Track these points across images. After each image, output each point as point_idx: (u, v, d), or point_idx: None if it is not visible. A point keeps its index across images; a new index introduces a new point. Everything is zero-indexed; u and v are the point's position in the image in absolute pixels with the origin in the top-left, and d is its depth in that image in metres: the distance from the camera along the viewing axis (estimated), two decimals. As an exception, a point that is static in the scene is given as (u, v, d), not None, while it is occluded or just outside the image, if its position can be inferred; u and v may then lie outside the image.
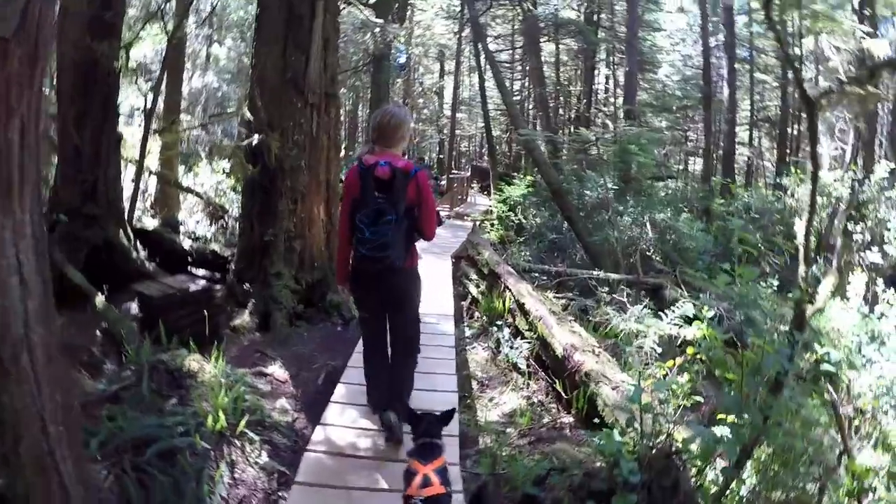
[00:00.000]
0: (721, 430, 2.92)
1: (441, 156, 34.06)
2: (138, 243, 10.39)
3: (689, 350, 3.46)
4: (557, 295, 8.34)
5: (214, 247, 10.53)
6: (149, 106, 10.63)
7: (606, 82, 30.72)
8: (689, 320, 4.38)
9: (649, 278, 9.25)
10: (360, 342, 4.84)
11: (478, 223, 15.09)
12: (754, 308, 3.45)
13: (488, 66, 20.34)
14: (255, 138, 6.81)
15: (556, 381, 5.58)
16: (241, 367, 5.67)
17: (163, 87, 16.49)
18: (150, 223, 12.01)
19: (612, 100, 29.61)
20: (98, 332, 7.08)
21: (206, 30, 17.44)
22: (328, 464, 3.83)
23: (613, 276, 8.95)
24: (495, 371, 6.39)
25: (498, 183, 19.05)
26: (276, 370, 6.01)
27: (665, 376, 3.66)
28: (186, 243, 10.67)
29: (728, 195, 16.90)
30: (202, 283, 6.95)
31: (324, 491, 3.51)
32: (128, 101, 13.01)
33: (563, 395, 5.38)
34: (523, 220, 18.23)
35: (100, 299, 7.55)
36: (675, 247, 11.29)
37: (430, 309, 7.06)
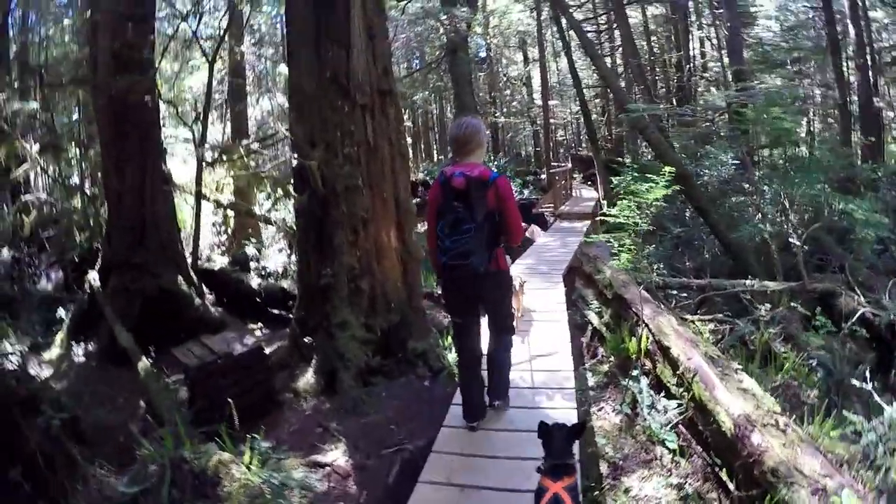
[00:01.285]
0: None
1: (538, 148, 32.14)
2: (203, 287, 9.46)
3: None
4: (703, 317, 6.44)
5: (285, 283, 9.30)
6: (198, 137, 9.67)
7: (702, 46, 27.79)
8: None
9: (817, 283, 7.14)
10: (451, 406, 4.60)
11: (591, 228, 13.16)
12: None
13: (576, 42, 18.32)
14: (294, 159, 5.37)
15: (721, 464, 3.88)
16: (297, 449, 4.76)
17: (215, 116, 15.81)
18: (220, 261, 11.05)
19: (710, 65, 26.80)
20: (143, 404, 6.21)
21: (268, 50, 16.50)
22: None
23: (771, 284, 6.96)
24: (632, 445, 4.61)
25: (606, 173, 17.09)
26: (338, 457, 4.67)
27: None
28: (255, 281, 9.57)
29: (878, 158, 14.12)
30: (250, 341, 5.67)
31: None
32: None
33: (734, 489, 3.65)
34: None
35: (143, 365, 6.59)
36: (840, 236, 8.99)
37: (538, 347, 5.45)
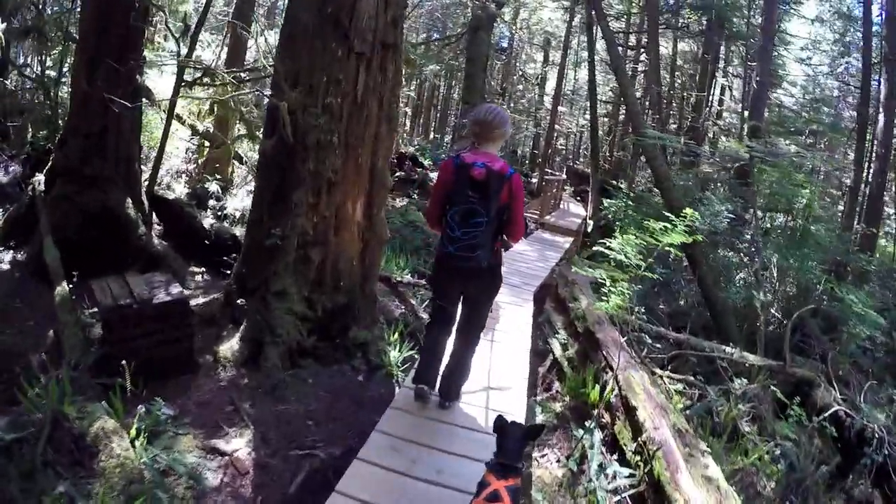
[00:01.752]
0: None
1: (535, 151, 31.52)
2: (154, 215, 8.68)
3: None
4: (674, 376, 5.87)
5: (238, 230, 8.55)
6: (183, 53, 8.77)
7: (721, 93, 27.40)
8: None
9: (798, 368, 6.63)
10: (388, 408, 4.30)
11: (574, 247, 12.44)
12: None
13: (600, 57, 17.69)
14: (267, 96, 4.65)
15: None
16: (200, 426, 4.19)
17: (211, 38, 14.79)
18: (180, 191, 10.22)
19: (725, 115, 26.46)
20: (52, 334, 5.49)
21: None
22: None
23: (752, 358, 6.41)
24: (569, 507, 4.03)
25: (600, 194, 16.53)
26: (242, 447, 4.05)
27: None
28: (209, 221, 8.80)
29: (871, 250, 13.71)
30: (176, 290, 4.95)
31: None
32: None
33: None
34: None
35: (61, 290, 5.88)
36: (826, 323, 8.50)
37: (495, 376, 4.85)
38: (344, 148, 4.89)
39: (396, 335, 5.62)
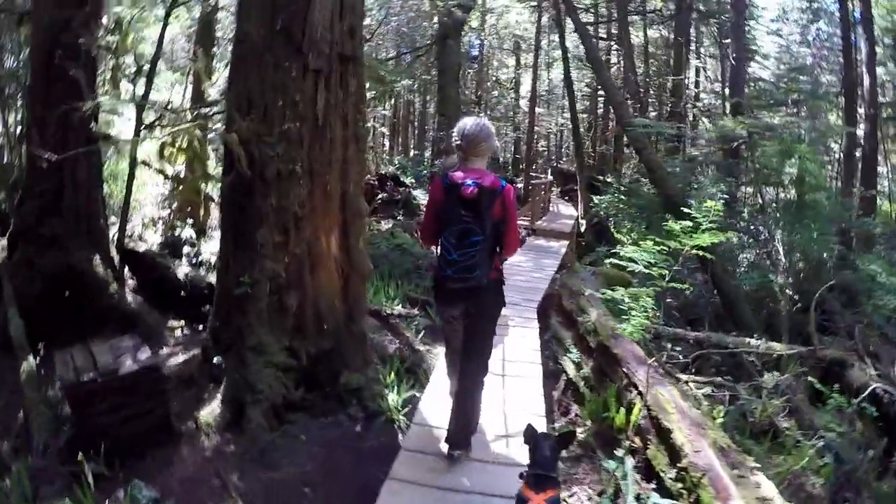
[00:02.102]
0: None
1: (518, 155, 31.12)
2: (126, 269, 8.15)
3: None
4: (699, 379, 5.37)
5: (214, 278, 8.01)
6: (139, 94, 8.28)
7: (697, 75, 27.15)
8: None
9: (828, 350, 6.17)
10: (401, 451, 3.97)
11: (569, 250, 11.83)
12: None
13: (573, 53, 17.32)
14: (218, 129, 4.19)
15: None
16: None
17: (174, 77, 14.29)
18: (154, 240, 9.67)
19: (703, 96, 26.25)
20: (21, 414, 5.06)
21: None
22: None
23: (778, 347, 5.94)
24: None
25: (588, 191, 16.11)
26: None
27: None
28: (184, 270, 8.27)
29: (871, 212, 13.34)
30: (145, 355, 4.46)
31: None
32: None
33: None
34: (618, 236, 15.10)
35: (27, 366, 5.42)
36: (846, 296, 8.02)
37: (511, 420, 4.26)
38: (309, 176, 4.37)
39: (393, 375, 5.10)
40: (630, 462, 3.97)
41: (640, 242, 3.98)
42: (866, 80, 15.26)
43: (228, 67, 4.91)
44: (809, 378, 5.70)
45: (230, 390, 4.55)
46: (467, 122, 3.69)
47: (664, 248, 3.85)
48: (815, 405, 5.87)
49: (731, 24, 18.10)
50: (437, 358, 6.07)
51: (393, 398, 4.86)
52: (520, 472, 2.90)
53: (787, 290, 6.95)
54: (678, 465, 3.61)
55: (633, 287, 6.58)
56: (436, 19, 14.15)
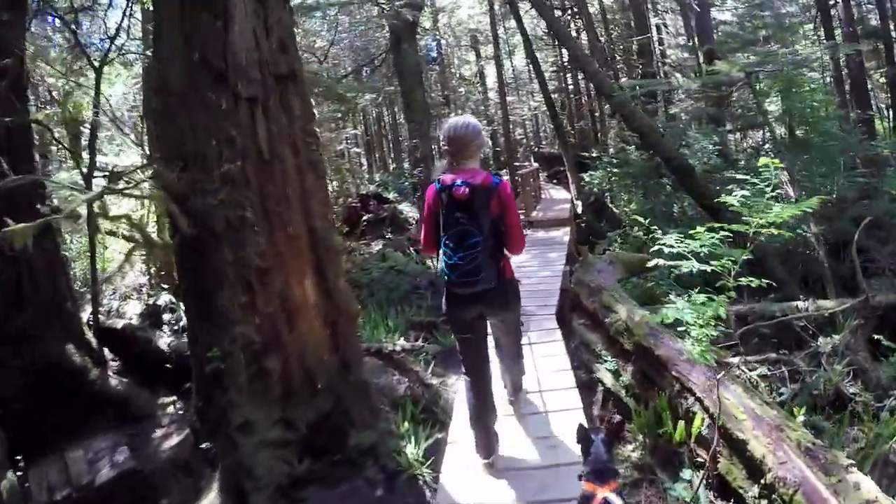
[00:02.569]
0: None
1: (497, 148, 30.49)
2: (105, 350, 7.52)
3: None
4: (753, 359, 4.73)
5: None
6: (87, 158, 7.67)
7: (658, 32, 26.63)
8: None
9: (882, 297, 5.58)
10: None
11: (573, 237, 11.01)
12: None
13: (535, 31, 16.74)
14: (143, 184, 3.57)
15: None
16: None
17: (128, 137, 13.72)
18: (134, 311, 9.04)
19: (669, 52, 25.80)
20: None
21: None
22: None
23: (828, 304, 5.34)
24: None
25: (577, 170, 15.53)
26: None
27: None
28: (166, 340, 7.64)
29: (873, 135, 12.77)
30: (122, 457, 3.88)
31: None
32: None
33: None
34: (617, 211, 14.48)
35: (7, 483, 4.79)
36: (884, 231, 7.38)
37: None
38: (265, 220, 3.73)
39: (408, 422, 4.46)
40: (699, 481, 3.34)
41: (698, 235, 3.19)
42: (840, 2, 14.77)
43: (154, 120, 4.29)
44: (871, 333, 5.09)
45: (226, 478, 3.95)
46: (453, 123, 3.54)
47: (725, 233, 3.13)
48: (877, 359, 5.28)
49: None
50: (455, 387, 5.45)
51: (412, 451, 4.24)
52: (578, 474, 2.82)
53: (822, 238, 6.34)
54: (762, 481, 2.97)
55: (656, 266, 5.95)
56: (388, 30, 13.55)
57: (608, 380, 4.75)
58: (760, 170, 3.05)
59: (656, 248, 3.18)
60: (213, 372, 3.81)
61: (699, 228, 3.13)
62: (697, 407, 3.63)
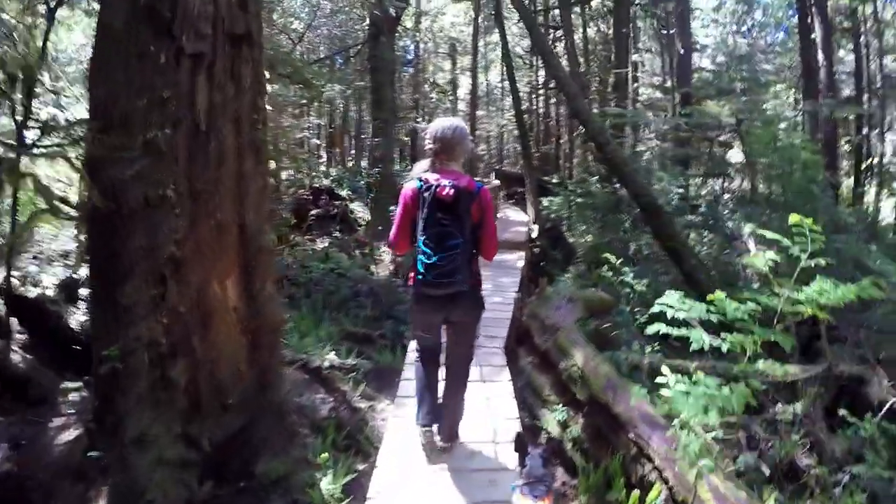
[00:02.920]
0: None
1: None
2: (14, 321, 6.72)
3: None
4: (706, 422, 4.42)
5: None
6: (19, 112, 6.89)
7: (635, 70, 26.91)
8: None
9: (844, 366, 5.42)
10: None
11: (527, 264, 10.42)
12: None
13: (515, 49, 16.50)
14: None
15: None
16: None
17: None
18: (51, 282, 8.18)
19: (642, 90, 26.09)
20: None
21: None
22: None
23: (793, 370, 5.12)
24: None
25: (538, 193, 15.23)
26: None
27: None
28: (78, 317, 6.88)
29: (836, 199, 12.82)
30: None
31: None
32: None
33: None
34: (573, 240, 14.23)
35: None
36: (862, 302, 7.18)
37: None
38: (189, 203, 3.15)
39: (327, 452, 3.93)
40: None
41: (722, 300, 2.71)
42: (821, 62, 14.99)
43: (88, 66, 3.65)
44: (829, 402, 4.90)
45: (115, 497, 3.33)
46: (441, 124, 3.53)
47: (753, 308, 2.68)
48: (833, 430, 5.09)
49: (676, 14, 18.03)
50: (385, 413, 4.93)
51: (328, 485, 3.71)
52: (511, 485, 2.82)
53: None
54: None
55: (619, 310, 5.53)
56: (368, 20, 13.06)
57: (554, 429, 4.31)
58: (793, 229, 2.64)
59: (657, 309, 2.71)
60: (111, 372, 3.21)
61: (718, 294, 2.67)
62: (655, 476, 3.22)
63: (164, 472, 3.31)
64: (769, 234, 2.88)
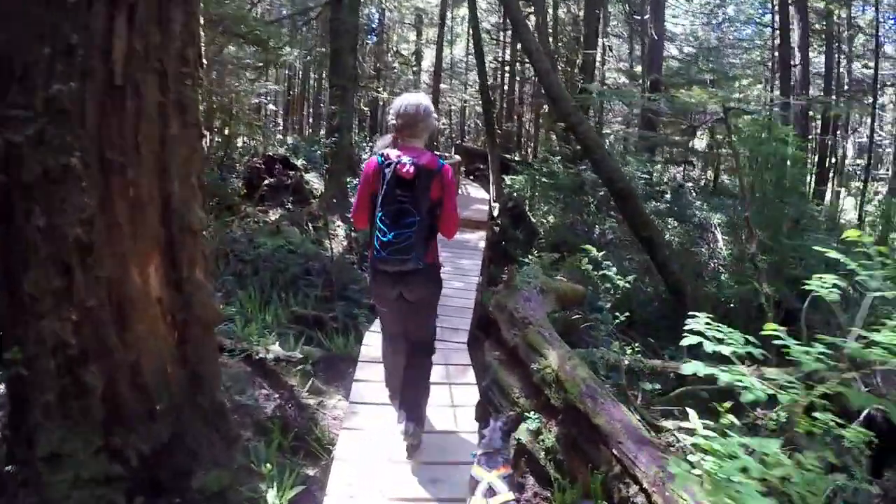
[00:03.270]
0: None
1: (422, 134, 29.52)
2: None
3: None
4: (684, 425, 4.12)
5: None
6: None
7: (604, 53, 26.64)
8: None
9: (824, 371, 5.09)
10: None
11: (488, 242, 10.03)
12: None
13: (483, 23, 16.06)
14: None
15: None
16: None
17: None
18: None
19: (608, 74, 25.95)
20: None
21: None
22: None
23: (772, 372, 4.80)
24: None
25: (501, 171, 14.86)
26: None
27: None
28: None
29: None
30: None
31: None
32: None
33: None
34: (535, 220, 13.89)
35: None
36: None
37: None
38: (100, 173, 2.60)
39: (271, 462, 3.47)
40: None
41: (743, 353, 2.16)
42: (798, 60, 15.07)
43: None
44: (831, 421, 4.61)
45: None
46: (406, 100, 3.51)
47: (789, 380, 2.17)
48: (810, 434, 4.84)
49: (650, 1, 17.90)
50: (337, 410, 4.49)
51: (274, 498, 3.28)
52: (471, 453, 2.85)
53: (774, 297, 5.84)
54: None
55: (597, 306, 5.19)
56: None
57: (524, 436, 3.92)
58: (855, 246, 2.24)
59: (689, 341, 2.22)
60: (17, 378, 2.69)
61: (771, 325, 2.18)
62: (643, 500, 2.86)
63: (85, 492, 2.82)
64: (835, 255, 2.37)
